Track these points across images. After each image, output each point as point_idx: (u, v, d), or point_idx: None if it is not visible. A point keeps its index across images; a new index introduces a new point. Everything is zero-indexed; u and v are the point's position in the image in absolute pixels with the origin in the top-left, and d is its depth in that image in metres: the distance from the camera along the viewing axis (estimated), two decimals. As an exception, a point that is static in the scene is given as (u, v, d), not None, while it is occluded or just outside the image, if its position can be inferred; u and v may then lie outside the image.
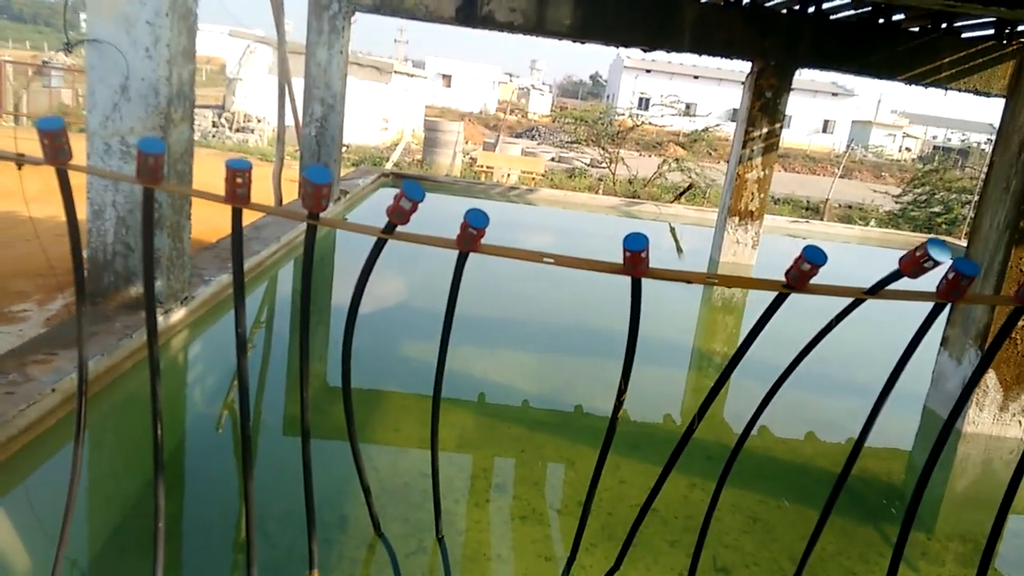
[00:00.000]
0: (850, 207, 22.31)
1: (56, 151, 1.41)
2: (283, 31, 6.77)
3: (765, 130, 7.71)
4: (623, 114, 22.17)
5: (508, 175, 18.94)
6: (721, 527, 3.15)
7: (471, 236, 1.49)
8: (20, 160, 1.40)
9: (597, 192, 17.99)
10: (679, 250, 9.96)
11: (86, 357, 1.55)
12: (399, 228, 1.55)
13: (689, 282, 1.47)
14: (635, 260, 1.47)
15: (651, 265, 1.50)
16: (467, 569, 2.68)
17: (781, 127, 7.82)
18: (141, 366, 3.67)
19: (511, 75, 68.57)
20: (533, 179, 18.99)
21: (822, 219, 17.74)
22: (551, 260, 1.51)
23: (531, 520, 3.09)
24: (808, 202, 22.36)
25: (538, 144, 32.08)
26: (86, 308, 1.54)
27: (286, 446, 3.43)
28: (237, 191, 1.43)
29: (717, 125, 22.63)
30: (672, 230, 11.24)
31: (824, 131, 53.79)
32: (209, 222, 4.80)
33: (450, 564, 2.55)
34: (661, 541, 3.00)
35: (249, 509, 1.86)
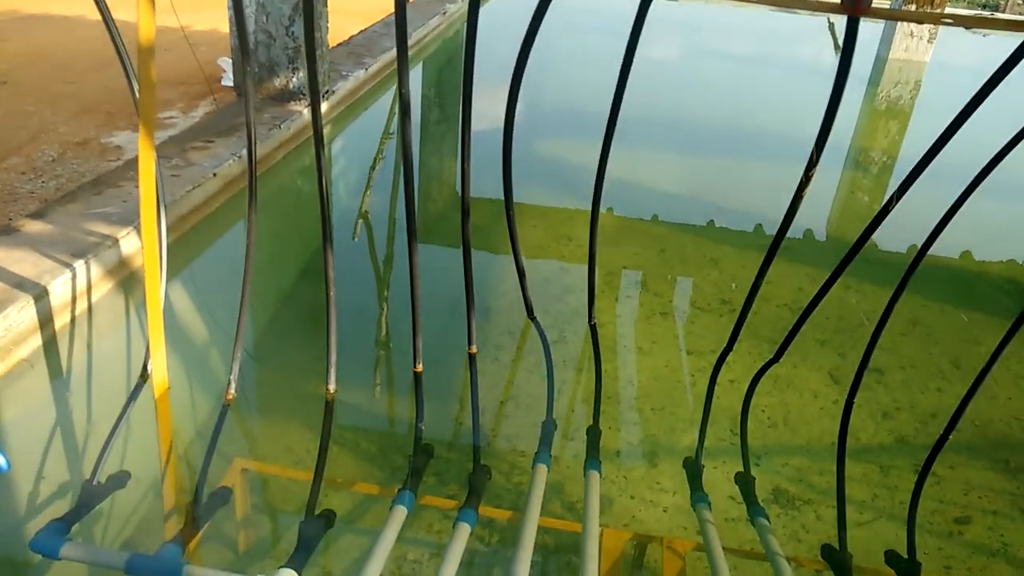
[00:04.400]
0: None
1: None
2: None
3: None
4: None
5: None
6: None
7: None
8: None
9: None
10: (837, 47, 8.96)
11: (255, 139, 1.54)
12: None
13: (920, 22, 1.24)
14: (854, -3, 1.24)
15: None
16: (609, 359, 2.70)
17: None
18: (291, 157, 3.76)
19: None
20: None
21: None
22: None
23: (671, 317, 3.06)
24: (988, -8, 19.34)
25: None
26: (252, 86, 1.50)
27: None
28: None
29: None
30: (831, 26, 10.12)
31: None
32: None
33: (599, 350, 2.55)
34: (811, 340, 2.92)
35: (414, 283, 1.89)
